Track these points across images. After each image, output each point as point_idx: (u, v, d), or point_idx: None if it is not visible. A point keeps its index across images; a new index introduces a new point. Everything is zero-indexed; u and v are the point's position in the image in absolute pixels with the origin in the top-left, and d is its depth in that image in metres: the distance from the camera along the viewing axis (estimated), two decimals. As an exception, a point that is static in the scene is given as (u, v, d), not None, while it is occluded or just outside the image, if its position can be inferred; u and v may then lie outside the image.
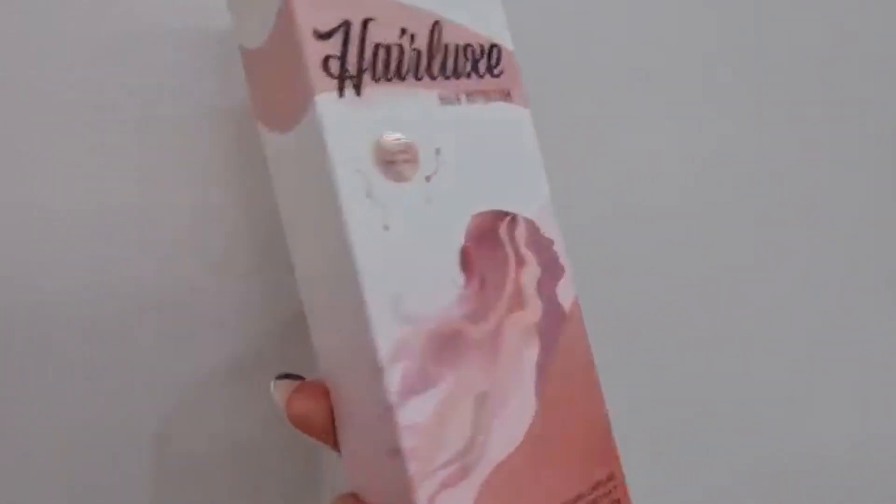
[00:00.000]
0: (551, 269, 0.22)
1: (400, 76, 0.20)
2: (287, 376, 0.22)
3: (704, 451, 0.37)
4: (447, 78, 0.21)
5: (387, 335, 0.18)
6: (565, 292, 0.22)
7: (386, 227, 0.19)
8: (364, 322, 0.18)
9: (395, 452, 0.18)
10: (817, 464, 0.39)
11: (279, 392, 0.21)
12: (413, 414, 0.18)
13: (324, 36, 0.18)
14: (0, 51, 0.24)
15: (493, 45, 0.22)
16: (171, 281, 0.26)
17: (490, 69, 0.22)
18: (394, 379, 0.18)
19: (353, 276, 0.18)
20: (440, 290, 0.19)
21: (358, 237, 0.18)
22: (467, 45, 0.21)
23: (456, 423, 0.19)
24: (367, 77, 0.19)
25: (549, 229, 0.22)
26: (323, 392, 0.21)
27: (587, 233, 0.34)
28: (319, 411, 0.21)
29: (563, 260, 0.22)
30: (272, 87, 0.20)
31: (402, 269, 0.19)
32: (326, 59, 0.18)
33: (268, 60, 0.20)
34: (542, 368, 0.21)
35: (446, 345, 0.19)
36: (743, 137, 0.36)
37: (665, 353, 0.36)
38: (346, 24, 0.19)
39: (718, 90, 0.36)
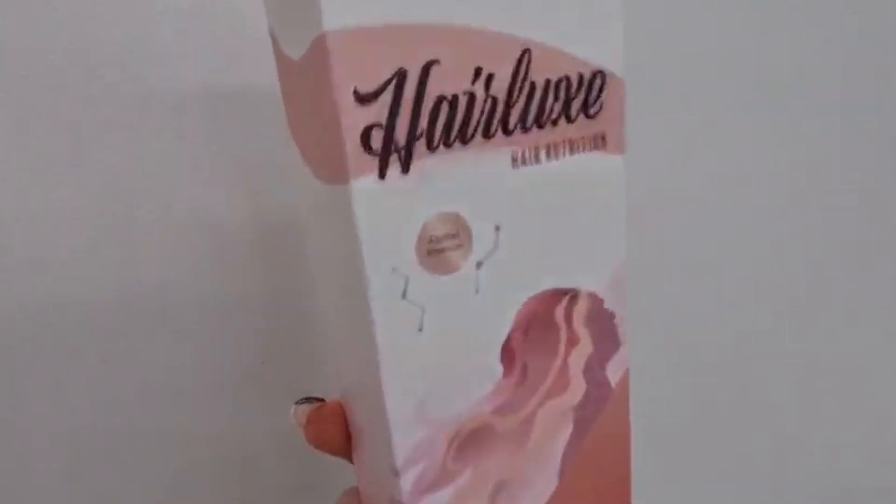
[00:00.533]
0: (606, 345, 0.19)
1: (464, 139, 0.15)
2: (307, 400, 0.21)
3: (705, 450, 0.37)
4: (526, 130, 0.16)
5: (406, 440, 0.17)
6: (617, 367, 0.20)
7: (420, 329, 0.16)
8: (385, 424, 0.17)
9: (402, 535, 0.18)
10: (821, 465, 0.39)
11: (298, 416, 0.21)
12: (424, 510, 0.18)
13: (367, 99, 0.14)
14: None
15: (596, 73, 0.16)
16: (174, 285, 0.25)
17: (585, 108, 0.17)
18: (409, 480, 0.17)
19: (377, 378, 0.16)
20: (473, 385, 0.17)
21: (385, 342, 0.16)
22: (561, 80, 0.16)
23: (468, 511, 0.18)
24: (419, 146, 0.15)
25: (615, 300, 0.19)
26: (341, 416, 0.20)
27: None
28: (336, 435, 0.20)
29: (623, 333, 0.19)
30: (306, 115, 0.16)
31: (432, 370, 0.16)
32: (368, 131, 0.14)
33: (302, 81, 0.15)
34: (571, 450, 0.20)
35: (470, 441, 0.18)
36: (745, 137, 0.34)
37: (665, 352, 0.35)
38: (401, 76, 0.14)
39: (718, 92, 0.33)
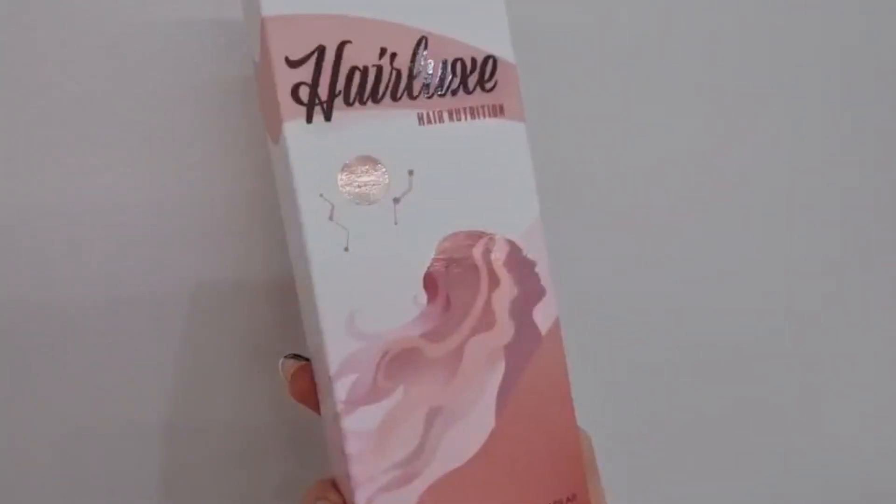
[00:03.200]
0: (530, 291, 0.22)
1: (375, 99, 0.20)
2: (294, 356, 0.24)
3: (707, 453, 0.37)
4: (429, 97, 0.21)
5: (338, 350, 0.20)
6: (545, 314, 0.22)
7: (346, 249, 0.20)
8: (320, 335, 0.20)
9: (343, 453, 0.20)
10: (820, 466, 0.39)
11: (284, 370, 0.24)
12: (359, 422, 0.20)
13: (295, 63, 0.19)
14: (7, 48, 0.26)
15: (488, 57, 0.21)
16: (172, 275, 0.28)
17: (481, 83, 0.21)
18: (342, 390, 0.20)
19: (312, 293, 0.20)
20: (400, 308, 0.20)
21: (317, 258, 0.19)
22: (456, 60, 0.21)
23: (403, 433, 0.20)
24: (338, 101, 0.20)
25: (534, 250, 0.22)
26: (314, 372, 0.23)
27: (589, 233, 0.34)
28: (314, 391, 0.23)
29: (546, 281, 0.22)
30: (265, 99, 0.21)
31: (359, 288, 0.20)
32: (297, 87, 0.19)
33: (261, 75, 0.21)
34: (506, 388, 0.21)
35: (400, 361, 0.20)
36: (741, 137, 0.36)
37: (665, 354, 0.36)
38: (321, 50, 0.19)
39: (715, 89, 0.35)
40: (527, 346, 0.22)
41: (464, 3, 0.21)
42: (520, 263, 0.22)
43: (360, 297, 0.20)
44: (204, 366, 0.29)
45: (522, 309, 0.22)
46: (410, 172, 0.20)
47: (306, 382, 0.23)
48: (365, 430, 0.20)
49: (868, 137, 0.38)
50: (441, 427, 0.21)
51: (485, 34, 0.21)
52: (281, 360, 0.24)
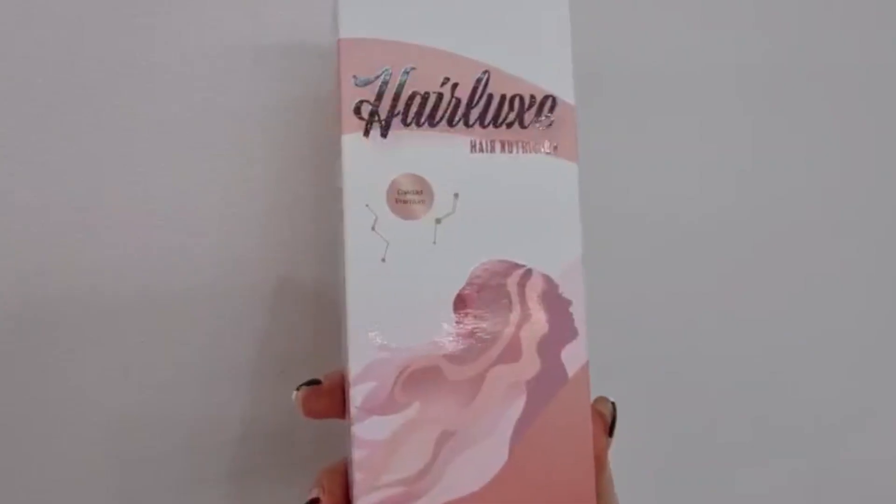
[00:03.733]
0: (561, 330, 0.21)
1: (432, 123, 0.21)
2: (307, 383, 0.24)
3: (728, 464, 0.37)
4: (484, 126, 0.21)
5: (361, 356, 0.20)
6: (574, 356, 0.22)
7: (383, 260, 0.21)
8: (346, 339, 0.20)
9: (351, 458, 0.20)
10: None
11: (298, 400, 0.24)
12: (370, 431, 0.20)
13: (361, 84, 0.21)
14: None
15: (547, 97, 0.22)
16: (201, 279, 0.29)
17: (538, 120, 0.22)
18: (359, 396, 0.20)
19: (345, 297, 0.20)
20: (427, 325, 0.21)
21: (354, 265, 0.20)
22: (515, 96, 0.22)
23: (413, 450, 0.20)
24: (396, 121, 0.21)
25: (571, 289, 0.22)
26: (328, 390, 0.23)
27: (609, 245, 0.34)
28: (323, 410, 0.23)
29: (580, 323, 0.22)
30: (332, 114, 0.23)
31: (390, 299, 0.20)
32: (360, 104, 0.21)
33: (334, 91, 0.23)
34: (523, 424, 0.21)
35: (419, 377, 0.21)
36: (751, 144, 0.37)
37: (684, 365, 0.36)
38: (387, 73, 0.21)
39: (729, 98, 0.37)
40: (550, 384, 0.21)
41: (531, 43, 0.22)
42: (554, 301, 0.22)
43: (390, 309, 0.20)
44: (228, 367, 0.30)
45: (551, 347, 0.21)
46: (456, 195, 0.21)
47: (320, 403, 0.23)
48: (374, 440, 0.20)
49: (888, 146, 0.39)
50: (451, 452, 0.20)
51: (547, 74, 0.22)
52: (294, 394, 0.24)
